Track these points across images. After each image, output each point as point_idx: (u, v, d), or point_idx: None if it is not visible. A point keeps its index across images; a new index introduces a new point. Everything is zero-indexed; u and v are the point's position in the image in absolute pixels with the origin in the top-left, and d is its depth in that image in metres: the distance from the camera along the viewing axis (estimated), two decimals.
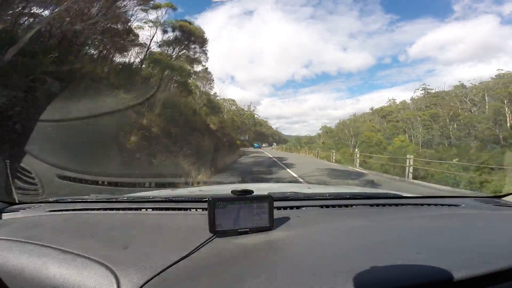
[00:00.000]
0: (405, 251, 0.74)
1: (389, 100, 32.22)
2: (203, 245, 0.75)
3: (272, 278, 0.61)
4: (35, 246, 0.76)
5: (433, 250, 0.73)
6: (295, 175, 8.89)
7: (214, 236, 0.80)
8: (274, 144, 41.95)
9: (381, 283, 0.60)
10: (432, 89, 27.28)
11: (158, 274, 0.62)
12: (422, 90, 27.70)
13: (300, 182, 7.04)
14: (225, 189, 1.54)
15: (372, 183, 7.41)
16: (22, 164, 2.56)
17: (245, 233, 0.82)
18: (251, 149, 30.24)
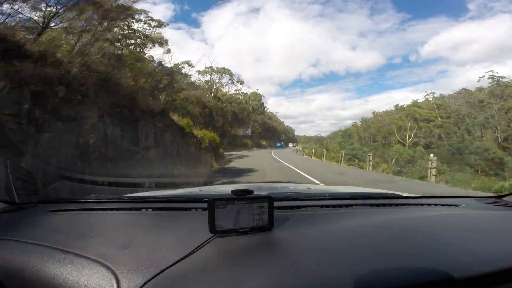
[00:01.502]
0: (405, 251, 0.74)
1: (427, 94, 28.60)
2: (203, 245, 0.75)
3: (272, 278, 0.61)
4: (35, 246, 0.76)
5: (433, 250, 0.73)
6: None
7: (214, 236, 0.80)
8: (295, 144, 36.76)
9: (382, 283, 0.60)
10: (503, 77, 21.99)
11: (158, 274, 0.62)
12: (489, 78, 22.08)
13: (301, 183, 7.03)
14: (225, 189, 1.54)
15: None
16: (22, 164, 2.56)
17: (245, 233, 0.82)
18: (254, 153, 18.96)
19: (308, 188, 1.77)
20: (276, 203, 0.91)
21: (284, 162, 12.59)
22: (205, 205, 0.87)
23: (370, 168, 13.10)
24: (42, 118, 3.65)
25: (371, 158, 13.53)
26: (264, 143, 33.80)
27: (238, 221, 0.82)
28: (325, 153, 18.81)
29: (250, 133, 27.58)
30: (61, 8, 6.17)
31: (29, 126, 3.39)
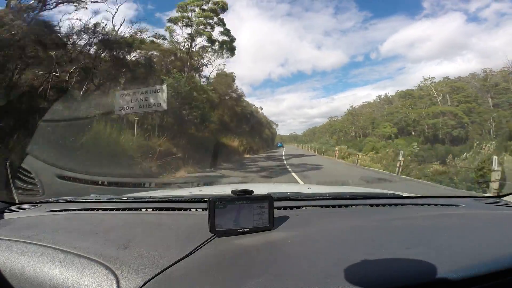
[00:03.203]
0: (405, 251, 0.74)
1: (425, 80, 23.38)
2: (203, 245, 0.75)
3: (272, 278, 0.61)
4: (35, 246, 0.76)
5: (433, 250, 0.74)
6: None
7: (214, 236, 0.80)
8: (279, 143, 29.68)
9: (382, 283, 0.60)
10: None
11: (158, 274, 0.62)
12: None
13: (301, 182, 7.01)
14: (225, 189, 1.54)
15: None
16: (22, 164, 2.56)
17: (245, 233, 0.82)
18: None
19: (308, 188, 1.77)
20: (276, 203, 0.91)
21: None
22: (205, 205, 0.87)
23: None
24: None
25: None
26: (235, 144, 14.23)
27: (238, 221, 0.82)
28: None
29: (164, 106, 7.99)
30: None
31: None
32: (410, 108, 23.71)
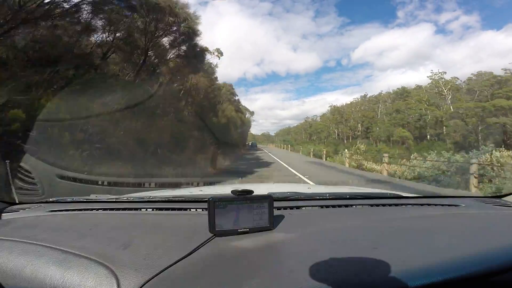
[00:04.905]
0: (405, 251, 0.74)
1: (434, 74, 19.87)
2: (203, 245, 0.75)
3: (272, 278, 0.61)
4: (35, 246, 0.76)
5: (433, 250, 0.74)
6: None
7: (214, 236, 0.80)
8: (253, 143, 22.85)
9: (382, 283, 0.60)
10: None
11: (158, 274, 0.62)
12: None
13: (301, 182, 7.03)
14: (225, 189, 1.54)
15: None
16: (22, 164, 2.56)
17: (245, 233, 0.82)
18: None
19: (308, 188, 1.77)
20: (276, 203, 0.91)
21: None
22: (205, 205, 0.87)
23: None
24: None
25: None
26: None
27: (238, 221, 0.82)
28: None
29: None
30: None
31: None
32: (426, 105, 18.08)
